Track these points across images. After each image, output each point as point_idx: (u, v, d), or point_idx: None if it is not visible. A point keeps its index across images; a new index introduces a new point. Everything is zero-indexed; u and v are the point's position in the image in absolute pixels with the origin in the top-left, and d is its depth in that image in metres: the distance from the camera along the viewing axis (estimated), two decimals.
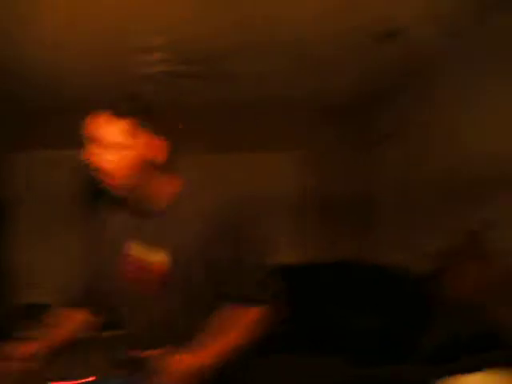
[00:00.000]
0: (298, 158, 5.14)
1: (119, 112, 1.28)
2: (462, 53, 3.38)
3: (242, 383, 1.37)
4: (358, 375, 2.39)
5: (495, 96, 3.05)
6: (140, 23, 2.98)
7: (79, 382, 1.34)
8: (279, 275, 1.37)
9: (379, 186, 4.87)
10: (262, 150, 4.92)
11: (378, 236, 4.84)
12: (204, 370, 1.18)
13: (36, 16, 2.82)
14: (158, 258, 1.30)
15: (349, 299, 3.73)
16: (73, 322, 1.49)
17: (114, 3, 2.74)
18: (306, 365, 2.41)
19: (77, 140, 1.37)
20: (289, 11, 2.92)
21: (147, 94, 1.44)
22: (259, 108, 4.76)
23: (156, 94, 1.47)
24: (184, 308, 1.32)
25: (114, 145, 1.26)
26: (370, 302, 3.56)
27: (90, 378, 1.33)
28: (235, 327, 1.27)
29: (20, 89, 4.02)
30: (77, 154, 1.36)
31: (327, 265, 4.39)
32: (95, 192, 1.33)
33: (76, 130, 1.41)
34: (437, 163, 3.79)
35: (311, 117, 5.09)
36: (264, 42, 3.34)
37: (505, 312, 2.61)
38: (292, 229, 5.01)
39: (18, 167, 4.67)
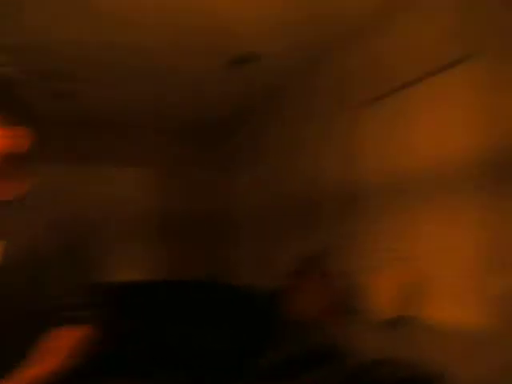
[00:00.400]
0: (154, 175, 5.15)
1: None
2: (308, 82, 3.59)
3: None
4: None
5: (334, 126, 3.25)
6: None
7: None
8: (115, 293, 1.36)
9: (236, 208, 4.95)
10: (120, 165, 4.91)
11: (235, 255, 4.91)
12: None
13: None
14: None
15: (198, 318, 3.72)
16: None
17: None
18: None
19: None
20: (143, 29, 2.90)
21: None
22: (119, 124, 4.78)
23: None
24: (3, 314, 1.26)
25: None
26: (220, 321, 3.60)
27: None
28: (55, 351, 1.25)
29: None
30: None
31: (179, 283, 4.34)
32: None
33: None
34: (282, 188, 3.96)
35: (170, 136, 5.15)
36: (121, 58, 3.32)
37: (340, 330, 2.82)
38: (144, 246, 4.97)
39: None
